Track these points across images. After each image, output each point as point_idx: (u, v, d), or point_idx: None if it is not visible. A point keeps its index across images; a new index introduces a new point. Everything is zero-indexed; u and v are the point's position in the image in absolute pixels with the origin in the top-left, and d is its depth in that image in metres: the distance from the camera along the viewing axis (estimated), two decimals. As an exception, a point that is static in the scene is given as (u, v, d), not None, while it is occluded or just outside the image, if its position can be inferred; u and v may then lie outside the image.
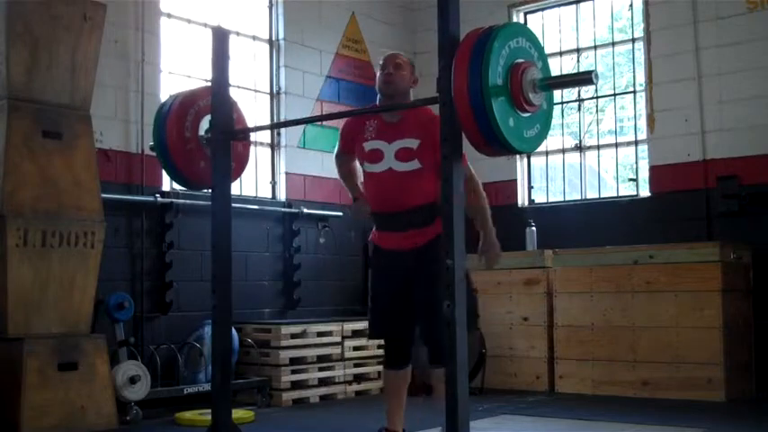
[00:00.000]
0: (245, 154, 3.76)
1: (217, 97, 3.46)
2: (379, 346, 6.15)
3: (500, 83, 2.56)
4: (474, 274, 3.80)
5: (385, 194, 3.69)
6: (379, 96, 3.76)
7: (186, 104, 3.54)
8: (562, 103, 7.21)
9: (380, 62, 3.77)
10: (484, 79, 2.51)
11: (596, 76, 2.69)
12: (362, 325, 5.91)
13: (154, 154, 5.75)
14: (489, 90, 2.51)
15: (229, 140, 3.49)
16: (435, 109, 2.94)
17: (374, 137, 3.68)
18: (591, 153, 7.13)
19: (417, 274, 3.62)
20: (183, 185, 3.78)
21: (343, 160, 3.90)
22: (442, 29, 2.68)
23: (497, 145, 2.61)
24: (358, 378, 6.18)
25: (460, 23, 2.69)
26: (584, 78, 2.79)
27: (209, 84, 3.54)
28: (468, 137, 2.62)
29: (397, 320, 3.74)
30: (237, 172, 3.76)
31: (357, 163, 3.86)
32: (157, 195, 5.69)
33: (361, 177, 3.86)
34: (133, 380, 4.99)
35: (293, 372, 5.77)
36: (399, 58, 3.73)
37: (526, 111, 2.64)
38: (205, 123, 3.53)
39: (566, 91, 7.37)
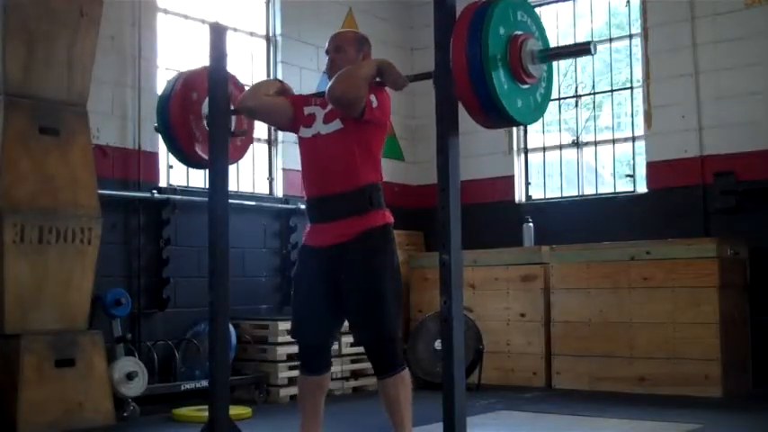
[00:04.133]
0: (244, 147, 3.78)
1: (215, 93, 3.45)
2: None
3: (499, 54, 2.55)
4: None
5: (312, 166, 3.37)
6: None
7: (189, 84, 3.54)
8: (559, 99, 7.21)
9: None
10: (483, 49, 2.51)
11: (594, 46, 2.68)
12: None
13: (150, 150, 5.81)
14: (489, 60, 2.51)
15: (228, 137, 3.49)
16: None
17: (317, 103, 3.42)
18: (588, 149, 7.13)
19: (347, 272, 3.24)
20: (186, 164, 3.78)
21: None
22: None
23: (496, 115, 2.60)
24: (355, 374, 6.17)
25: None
26: (583, 49, 2.77)
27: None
28: (466, 107, 2.61)
29: (319, 324, 3.35)
30: (236, 156, 3.73)
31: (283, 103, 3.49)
32: (154, 191, 5.68)
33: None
34: (130, 376, 4.99)
35: (290, 368, 5.76)
36: (340, 38, 3.48)
37: (525, 82, 2.65)
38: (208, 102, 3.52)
39: (563, 87, 7.38)
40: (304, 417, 3.43)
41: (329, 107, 3.30)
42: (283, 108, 3.44)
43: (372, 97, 3.21)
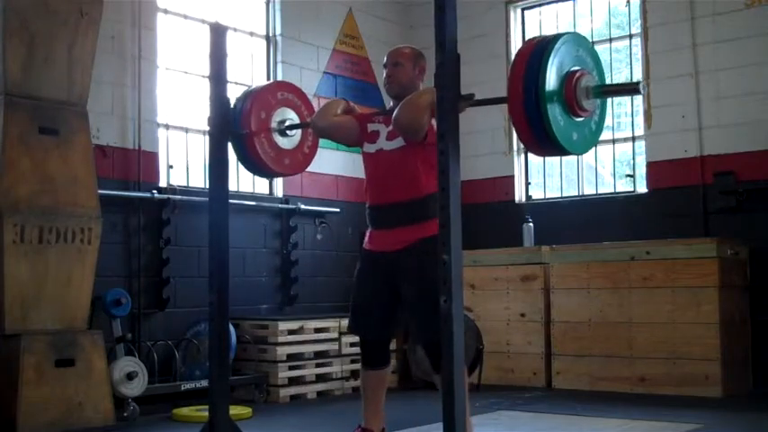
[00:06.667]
0: (311, 155, 3.83)
1: (215, 93, 3.46)
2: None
3: (555, 92, 2.63)
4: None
5: (376, 178, 3.67)
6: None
7: (257, 102, 3.60)
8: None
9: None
10: (540, 84, 2.58)
11: (644, 87, 2.83)
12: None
13: (150, 150, 5.81)
14: (545, 95, 2.58)
15: (227, 136, 3.50)
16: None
17: (380, 120, 3.72)
18: (588, 149, 7.13)
19: (406, 278, 3.53)
20: (258, 175, 3.93)
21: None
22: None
23: (549, 147, 2.70)
24: (355, 374, 6.16)
25: (457, 20, 2.70)
26: (633, 89, 2.96)
27: (271, 82, 3.54)
28: (521, 139, 2.71)
29: (376, 321, 3.68)
30: (304, 164, 3.84)
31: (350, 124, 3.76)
32: (154, 191, 5.68)
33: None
34: (130, 376, 4.99)
35: (290, 368, 5.77)
36: (398, 54, 3.69)
37: (579, 116, 2.71)
38: (277, 116, 3.64)
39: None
40: (367, 405, 3.76)
41: (391, 126, 3.54)
42: (350, 126, 3.72)
43: (434, 121, 3.39)
